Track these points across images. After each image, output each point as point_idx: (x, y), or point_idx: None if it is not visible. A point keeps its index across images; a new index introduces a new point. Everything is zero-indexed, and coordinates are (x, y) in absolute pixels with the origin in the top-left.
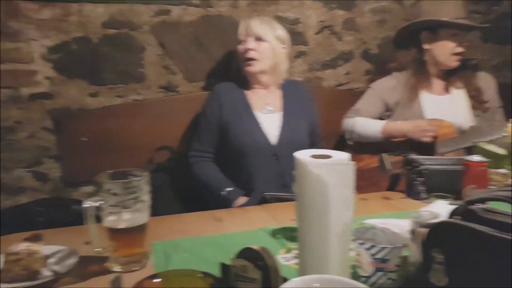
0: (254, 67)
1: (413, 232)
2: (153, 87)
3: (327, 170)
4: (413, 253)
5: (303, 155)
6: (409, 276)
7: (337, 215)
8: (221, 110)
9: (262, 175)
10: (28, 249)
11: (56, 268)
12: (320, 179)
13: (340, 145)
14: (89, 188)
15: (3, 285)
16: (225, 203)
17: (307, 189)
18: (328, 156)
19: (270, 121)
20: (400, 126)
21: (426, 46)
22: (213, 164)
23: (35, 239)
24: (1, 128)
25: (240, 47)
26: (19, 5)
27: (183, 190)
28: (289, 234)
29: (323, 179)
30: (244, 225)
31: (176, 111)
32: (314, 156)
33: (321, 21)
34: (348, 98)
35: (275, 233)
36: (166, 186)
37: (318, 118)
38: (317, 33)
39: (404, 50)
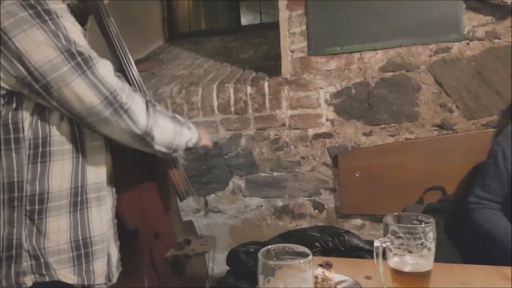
0: None
1: None
2: (426, 125)
3: None
4: None
5: None
6: None
7: None
8: None
9: None
10: (323, 275)
11: None
12: None
13: None
14: (358, 221)
15: None
16: None
17: None
18: None
19: None
20: None
21: None
22: (500, 214)
23: (327, 266)
24: (290, 162)
25: None
26: (311, 60)
27: (457, 235)
28: None
29: None
30: None
31: (451, 150)
32: None
33: None
34: None
35: None
36: (437, 229)
37: None
38: None
39: None
